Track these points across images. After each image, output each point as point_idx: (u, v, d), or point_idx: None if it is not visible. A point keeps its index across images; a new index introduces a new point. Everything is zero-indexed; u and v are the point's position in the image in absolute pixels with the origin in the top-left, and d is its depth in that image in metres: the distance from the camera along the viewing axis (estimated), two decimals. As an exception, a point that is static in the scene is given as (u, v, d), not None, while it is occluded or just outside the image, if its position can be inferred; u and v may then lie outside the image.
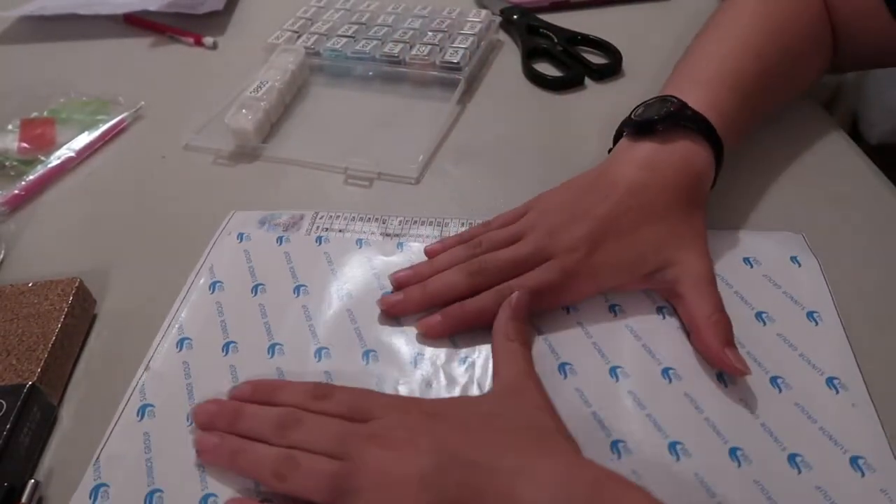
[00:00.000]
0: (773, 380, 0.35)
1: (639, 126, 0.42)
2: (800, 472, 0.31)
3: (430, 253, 0.43)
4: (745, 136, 0.46)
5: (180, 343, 0.38)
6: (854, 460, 0.31)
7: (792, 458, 0.32)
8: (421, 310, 0.39)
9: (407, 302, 0.39)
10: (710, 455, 0.32)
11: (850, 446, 0.32)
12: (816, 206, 0.45)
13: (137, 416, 0.35)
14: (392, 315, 0.39)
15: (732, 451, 0.32)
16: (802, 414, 0.33)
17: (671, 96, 0.43)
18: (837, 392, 0.34)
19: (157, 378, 0.37)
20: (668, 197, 0.39)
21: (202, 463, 0.33)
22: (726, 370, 0.35)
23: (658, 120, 0.41)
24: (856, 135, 0.93)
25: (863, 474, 0.31)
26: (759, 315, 0.38)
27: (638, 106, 0.44)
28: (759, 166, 0.48)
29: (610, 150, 0.45)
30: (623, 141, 0.43)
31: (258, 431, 0.32)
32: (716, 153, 0.41)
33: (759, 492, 0.31)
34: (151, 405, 0.35)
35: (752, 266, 0.41)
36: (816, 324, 0.37)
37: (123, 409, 0.35)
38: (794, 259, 0.41)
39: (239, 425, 0.33)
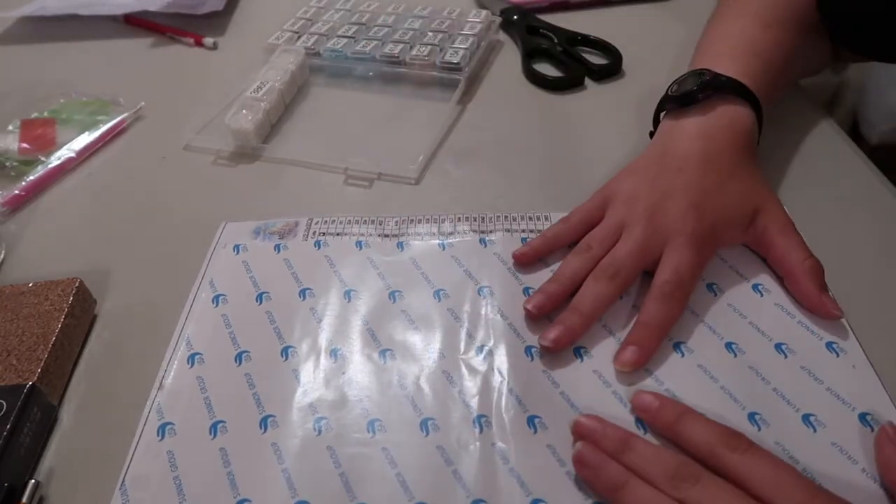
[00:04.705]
0: (778, 346, 0.37)
1: (680, 100, 0.44)
2: (815, 430, 0.33)
3: (521, 258, 0.42)
4: (773, 102, 0.48)
5: (191, 359, 0.38)
6: (862, 416, 0.33)
7: (806, 418, 0.33)
8: (584, 332, 0.38)
9: (569, 330, 0.37)
10: (732, 422, 0.33)
11: (857, 404, 0.34)
12: (816, 206, 0.45)
13: (158, 435, 0.35)
14: (557, 349, 0.37)
15: (751, 416, 0.33)
16: (809, 376, 0.35)
17: (702, 69, 0.45)
18: (838, 355, 0.36)
19: (172, 396, 0.37)
20: (733, 157, 0.42)
21: (577, 471, 0.31)
22: (823, 315, 0.38)
23: (697, 90, 0.44)
24: (856, 135, 0.93)
25: (872, 429, 0.33)
26: (755, 287, 0.40)
27: (672, 84, 0.46)
28: (759, 166, 0.48)
29: (651, 133, 0.47)
30: (666, 120, 0.46)
31: (645, 472, 0.30)
32: (755, 112, 0.44)
33: (780, 452, 0.32)
34: (171, 423, 0.35)
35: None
36: None
37: (142, 429, 0.35)
38: None
39: (625, 458, 0.31)
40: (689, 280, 0.38)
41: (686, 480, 0.29)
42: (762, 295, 0.39)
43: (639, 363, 0.36)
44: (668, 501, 0.29)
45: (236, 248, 0.45)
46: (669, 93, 0.45)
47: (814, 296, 0.38)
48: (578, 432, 0.33)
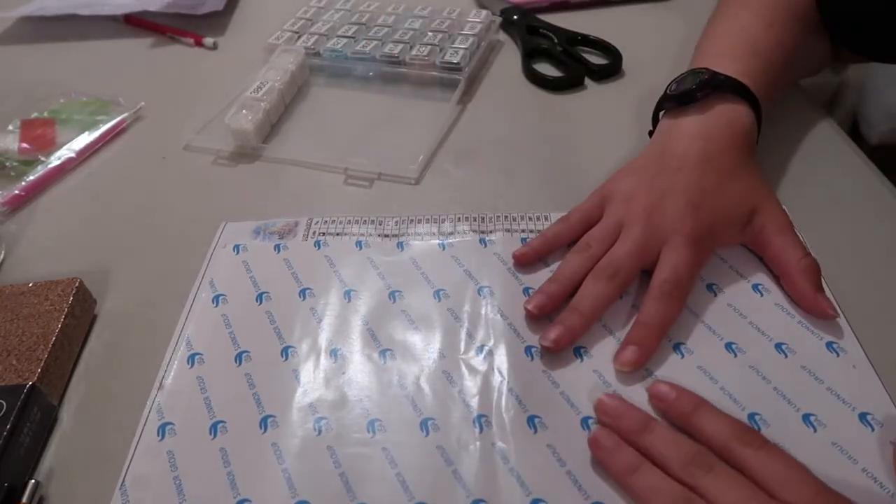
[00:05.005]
0: (778, 346, 0.37)
1: (678, 98, 0.44)
2: (815, 430, 0.33)
3: (521, 258, 0.42)
4: (773, 102, 0.48)
5: (191, 359, 0.38)
6: (863, 416, 0.33)
7: (806, 418, 0.33)
8: (584, 332, 0.38)
9: (569, 330, 0.37)
10: None
11: (858, 404, 0.34)
12: (816, 206, 0.45)
13: (158, 435, 0.35)
14: (558, 350, 0.37)
15: (751, 416, 0.33)
16: (809, 376, 0.35)
17: (701, 68, 0.45)
18: (838, 355, 0.36)
19: (172, 396, 0.37)
20: (732, 157, 0.42)
21: (592, 453, 0.32)
22: (819, 315, 0.37)
23: (696, 89, 0.43)
24: (856, 135, 0.93)
25: (872, 429, 0.33)
26: (755, 287, 0.40)
27: (670, 83, 0.46)
28: (759, 166, 0.48)
29: (650, 132, 0.47)
30: (665, 119, 0.46)
31: (661, 455, 0.31)
32: (755, 112, 0.44)
33: None
34: (171, 423, 0.35)
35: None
36: None
37: (142, 430, 0.35)
38: None
39: (644, 439, 0.32)
40: (687, 279, 0.38)
41: (700, 468, 0.30)
42: (762, 295, 0.39)
43: (639, 363, 0.36)
44: (678, 488, 0.29)
45: (236, 248, 0.45)
46: (668, 92, 0.45)
47: (809, 295, 0.38)
48: (601, 410, 0.34)
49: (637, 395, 0.35)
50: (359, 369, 0.37)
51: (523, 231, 0.44)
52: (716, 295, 0.39)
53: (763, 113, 0.45)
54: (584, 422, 0.34)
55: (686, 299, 0.38)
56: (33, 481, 0.33)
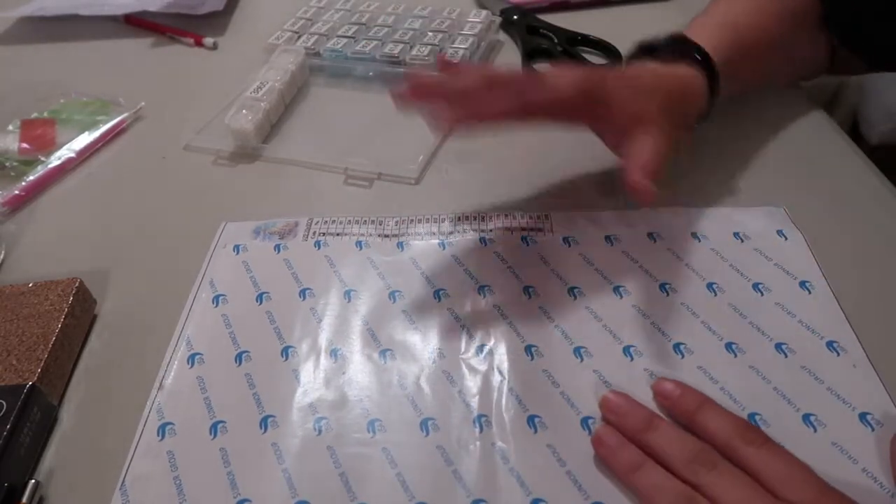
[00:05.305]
0: (778, 346, 0.37)
1: (644, 47, 0.47)
2: (815, 430, 0.33)
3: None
4: (744, 84, 0.48)
5: (191, 359, 0.38)
6: (863, 416, 0.33)
7: (806, 418, 0.33)
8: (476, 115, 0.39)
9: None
10: None
11: (858, 404, 0.34)
12: (816, 206, 0.45)
13: (158, 435, 0.35)
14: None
15: (751, 417, 0.33)
16: (810, 376, 0.35)
17: (676, 32, 0.47)
18: (838, 354, 0.36)
19: (172, 396, 0.37)
20: (669, 90, 0.42)
21: (595, 451, 0.32)
22: (639, 198, 0.36)
23: (661, 43, 0.46)
24: (856, 135, 0.93)
25: (872, 429, 0.33)
26: (756, 286, 0.40)
27: (646, 39, 0.47)
28: (759, 166, 0.48)
29: None
30: (628, 63, 0.47)
31: (665, 452, 0.31)
32: (710, 86, 0.44)
33: None
34: (171, 423, 0.35)
35: (742, 241, 0.43)
36: (809, 292, 0.39)
37: (142, 430, 0.35)
38: (780, 233, 0.43)
39: (648, 437, 0.32)
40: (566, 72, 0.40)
41: (703, 466, 0.30)
42: (762, 294, 0.39)
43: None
44: (681, 486, 0.29)
45: (236, 248, 0.45)
46: (640, 43, 0.47)
47: (633, 174, 0.37)
48: (606, 407, 0.34)
49: (641, 392, 0.35)
50: (359, 369, 0.37)
51: (523, 230, 0.44)
52: (716, 295, 0.39)
53: (722, 88, 0.44)
54: (584, 422, 0.34)
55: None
56: (33, 481, 0.33)
